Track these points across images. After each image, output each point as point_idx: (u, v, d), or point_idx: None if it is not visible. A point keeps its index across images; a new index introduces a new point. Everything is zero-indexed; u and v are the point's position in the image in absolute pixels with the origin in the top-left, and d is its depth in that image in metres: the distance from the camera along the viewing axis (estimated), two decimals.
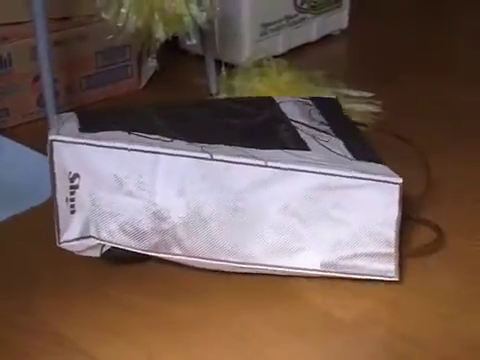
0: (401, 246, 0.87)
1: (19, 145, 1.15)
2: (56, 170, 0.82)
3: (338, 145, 0.92)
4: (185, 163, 0.83)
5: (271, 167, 0.84)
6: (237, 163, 0.84)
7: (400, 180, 0.85)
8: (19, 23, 1.23)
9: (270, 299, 0.87)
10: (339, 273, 0.86)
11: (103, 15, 1.13)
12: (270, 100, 1.03)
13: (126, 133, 0.85)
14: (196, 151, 0.84)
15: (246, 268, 0.86)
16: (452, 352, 0.80)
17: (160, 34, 1.14)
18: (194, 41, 1.19)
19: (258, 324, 0.83)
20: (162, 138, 0.85)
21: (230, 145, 0.87)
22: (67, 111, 1.04)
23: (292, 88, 1.27)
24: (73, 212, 0.83)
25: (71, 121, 0.88)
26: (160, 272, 0.88)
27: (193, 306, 0.85)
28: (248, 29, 1.44)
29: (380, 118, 1.26)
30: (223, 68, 1.31)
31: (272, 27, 1.47)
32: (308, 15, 1.54)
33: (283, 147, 0.89)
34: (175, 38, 1.21)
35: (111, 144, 0.82)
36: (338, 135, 0.95)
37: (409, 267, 0.90)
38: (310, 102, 1.04)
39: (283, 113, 0.98)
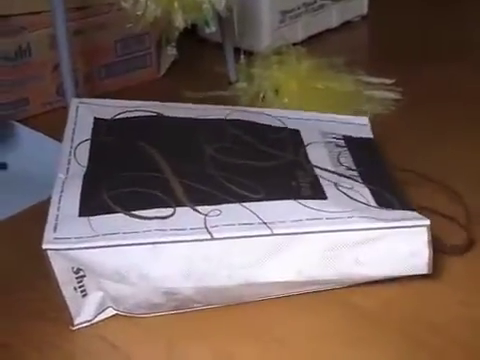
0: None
1: (39, 134, 1.15)
2: (56, 269, 0.78)
3: (362, 192, 0.86)
4: (185, 248, 0.78)
5: (278, 235, 0.78)
6: (240, 237, 0.78)
7: (427, 222, 0.79)
8: (38, 13, 1.23)
9: None
10: None
11: (122, 4, 1.13)
12: (298, 141, 0.96)
13: (124, 216, 0.80)
14: (197, 229, 0.78)
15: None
16: (478, 342, 0.79)
17: (179, 22, 1.13)
18: (213, 29, 1.19)
19: (277, 311, 0.83)
20: (162, 211, 0.80)
21: (239, 201, 0.82)
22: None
23: (312, 75, 1.27)
24: (85, 295, 0.80)
25: (74, 191, 0.84)
26: None
27: None
28: (267, 16, 1.43)
29: (400, 105, 1.25)
30: (242, 56, 1.30)
31: (291, 14, 1.47)
32: (327, 1, 1.53)
33: (297, 197, 0.83)
34: (194, 26, 1.21)
35: (106, 243, 0.77)
36: (365, 181, 0.88)
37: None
38: (343, 143, 0.97)
39: (308, 158, 0.92)
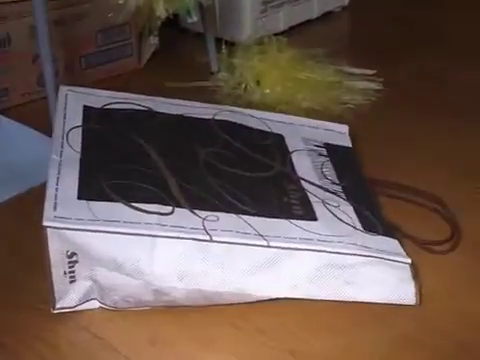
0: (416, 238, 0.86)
1: (19, 125, 1.14)
2: (51, 249, 0.77)
3: (347, 212, 0.88)
4: (184, 246, 0.78)
5: (274, 247, 0.80)
6: (238, 244, 0.79)
7: (408, 260, 0.82)
8: (17, 1, 1.22)
9: None
10: None
11: None
12: (283, 148, 0.98)
13: (124, 206, 0.80)
14: (196, 230, 0.79)
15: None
16: (469, 336, 0.79)
17: (161, 12, 1.13)
18: (195, 19, 1.19)
19: (263, 301, 0.83)
20: (162, 208, 0.81)
21: (236, 213, 0.83)
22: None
23: (293, 66, 1.27)
24: (73, 282, 0.79)
25: (71, 174, 0.83)
26: None
27: None
28: (249, 7, 1.43)
29: (381, 95, 1.25)
30: (223, 46, 1.30)
31: (273, 4, 1.46)
32: None
33: (289, 216, 0.85)
34: (175, 16, 1.21)
35: (107, 229, 0.77)
36: (349, 198, 0.91)
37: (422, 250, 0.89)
38: (325, 152, 0.99)
39: (294, 169, 0.94)
